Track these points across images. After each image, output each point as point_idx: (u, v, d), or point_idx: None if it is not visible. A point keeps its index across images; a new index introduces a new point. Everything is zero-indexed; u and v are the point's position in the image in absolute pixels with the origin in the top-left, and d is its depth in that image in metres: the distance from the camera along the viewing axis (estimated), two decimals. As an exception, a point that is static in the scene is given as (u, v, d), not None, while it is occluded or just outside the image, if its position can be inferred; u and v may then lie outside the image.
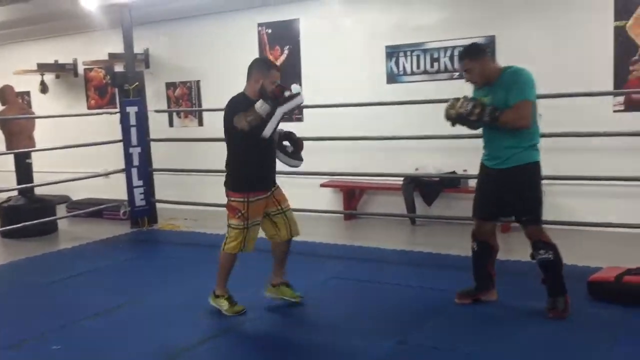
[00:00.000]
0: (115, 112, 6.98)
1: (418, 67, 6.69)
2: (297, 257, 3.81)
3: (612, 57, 5.70)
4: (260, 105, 3.44)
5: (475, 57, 3.54)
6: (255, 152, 3.67)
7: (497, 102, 3.45)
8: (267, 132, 3.49)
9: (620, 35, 5.67)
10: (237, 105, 3.61)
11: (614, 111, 5.74)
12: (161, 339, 3.52)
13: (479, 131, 3.73)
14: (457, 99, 3.53)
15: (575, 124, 5.26)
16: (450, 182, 6.38)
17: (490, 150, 3.64)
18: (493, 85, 3.52)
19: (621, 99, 5.72)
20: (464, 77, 3.64)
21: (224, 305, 3.80)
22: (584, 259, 4.54)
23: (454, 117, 3.53)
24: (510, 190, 3.53)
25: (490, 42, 6.20)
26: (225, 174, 3.81)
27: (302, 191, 5.97)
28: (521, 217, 3.57)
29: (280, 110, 3.47)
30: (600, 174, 5.28)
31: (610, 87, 5.71)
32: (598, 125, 5.30)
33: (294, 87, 3.70)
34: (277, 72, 3.72)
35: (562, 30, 5.97)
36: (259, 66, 3.72)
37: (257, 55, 7.69)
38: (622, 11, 5.64)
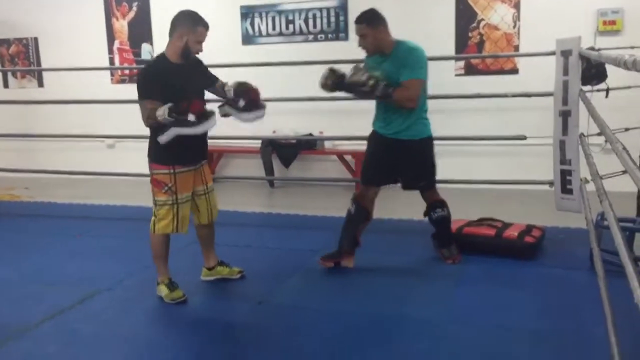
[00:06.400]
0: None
1: (274, 28, 6.65)
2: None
3: (454, 24, 6.07)
4: (161, 113, 2.99)
5: (372, 24, 3.48)
6: None
7: (393, 77, 3.45)
8: (161, 140, 3.09)
9: (461, 3, 6.04)
10: (151, 77, 3.15)
11: (455, 75, 6.15)
12: None
13: (336, 94, 3.70)
14: (332, 70, 3.47)
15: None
16: (307, 144, 6.49)
17: (384, 119, 3.63)
18: (387, 57, 3.51)
19: (461, 63, 6.13)
20: (358, 41, 3.55)
21: (163, 291, 3.36)
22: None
23: (335, 86, 3.47)
24: (408, 161, 3.64)
25: (343, 6, 6.32)
26: (148, 142, 3.29)
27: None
28: (418, 184, 3.75)
29: (173, 131, 3.04)
30: (442, 134, 5.64)
31: (452, 52, 6.09)
32: (442, 88, 5.64)
33: (222, 110, 3.29)
34: (204, 30, 3.20)
35: (410, -4, 6.23)
36: (183, 20, 3.18)
37: (102, 11, 7.22)
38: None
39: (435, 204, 3.80)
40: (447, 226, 3.88)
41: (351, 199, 3.82)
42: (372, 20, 3.49)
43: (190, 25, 3.17)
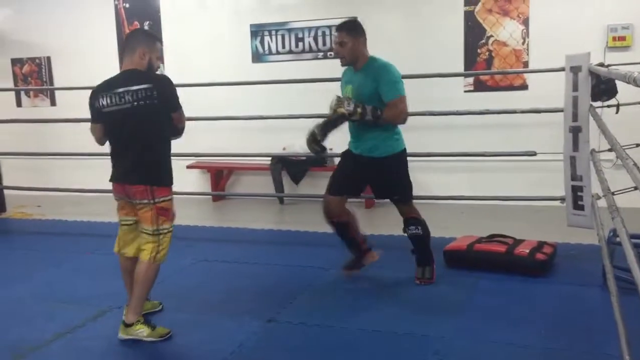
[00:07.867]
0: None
1: (283, 46, 6.71)
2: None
3: (463, 40, 6.10)
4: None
5: (353, 33, 3.55)
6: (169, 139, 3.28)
7: (364, 91, 3.52)
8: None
9: (470, 20, 6.07)
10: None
11: (465, 91, 6.16)
12: (8, 337, 3.24)
13: None
14: (339, 99, 3.53)
15: (430, 103, 5.55)
16: (316, 161, 6.49)
17: (357, 137, 3.70)
18: (359, 71, 3.59)
19: (470, 80, 6.14)
20: (335, 48, 3.65)
21: (144, 331, 3.11)
22: (439, 231, 4.84)
23: (324, 133, 3.61)
24: (382, 176, 3.69)
25: (352, 23, 6.36)
26: (136, 167, 3.08)
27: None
28: (393, 198, 3.76)
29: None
30: (451, 150, 5.63)
31: (461, 68, 6.10)
32: (451, 104, 5.64)
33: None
34: (161, 45, 3.32)
35: (419, 14, 6.27)
36: (143, 40, 3.21)
37: (114, 31, 7.30)
38: (470, -3, 6.04)
39: (409, 221, 3.77)
40: (423, 245, 3.82)
41: (326, 221, 3.82)
42: (353, 29, 3.59)
43: (150, 42, 3.21)
